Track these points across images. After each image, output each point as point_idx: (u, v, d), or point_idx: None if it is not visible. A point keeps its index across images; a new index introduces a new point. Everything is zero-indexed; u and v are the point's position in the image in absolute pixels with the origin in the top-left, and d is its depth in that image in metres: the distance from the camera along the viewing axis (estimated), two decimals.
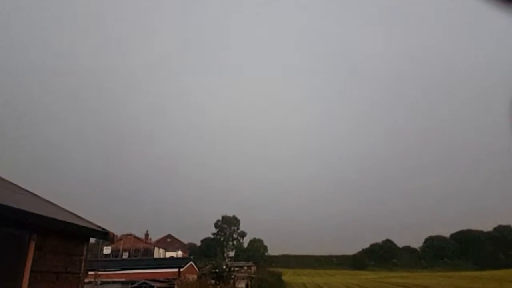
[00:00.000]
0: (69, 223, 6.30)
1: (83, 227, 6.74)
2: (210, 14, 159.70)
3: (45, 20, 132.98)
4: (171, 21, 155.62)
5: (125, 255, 53.34)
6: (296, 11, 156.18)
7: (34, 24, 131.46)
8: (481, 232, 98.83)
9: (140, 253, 55.16)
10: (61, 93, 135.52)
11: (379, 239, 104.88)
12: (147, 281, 26.65)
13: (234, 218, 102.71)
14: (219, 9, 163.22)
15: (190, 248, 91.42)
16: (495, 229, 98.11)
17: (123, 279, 27.29)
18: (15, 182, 8.65)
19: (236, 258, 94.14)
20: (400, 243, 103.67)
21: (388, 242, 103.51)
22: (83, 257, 6.72)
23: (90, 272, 19.04)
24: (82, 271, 6.72)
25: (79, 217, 7.23)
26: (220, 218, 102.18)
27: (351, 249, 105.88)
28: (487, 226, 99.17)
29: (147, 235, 72.28)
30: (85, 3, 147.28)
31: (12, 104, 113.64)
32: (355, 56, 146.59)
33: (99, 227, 7.20)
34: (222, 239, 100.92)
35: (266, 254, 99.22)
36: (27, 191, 8.12)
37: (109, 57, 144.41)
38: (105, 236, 7.25)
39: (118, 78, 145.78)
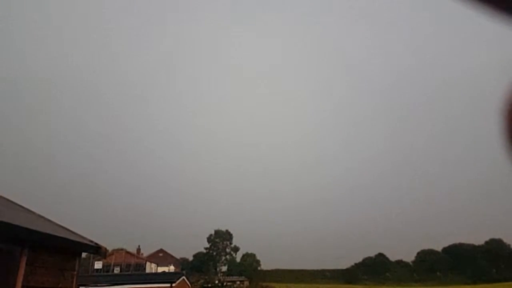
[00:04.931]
0: (61, 238, 6.29)
1: (76, 242, 6.74)
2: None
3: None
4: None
5: (117, 270, 52.52)
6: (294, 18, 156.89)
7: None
8: (472, 246, 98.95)
9: (131, 268, 54.39)
10: (45, 102, 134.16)
11: (371, 253, 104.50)
12: None
13: (227, 232, 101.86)
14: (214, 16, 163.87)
15: (182, 263, 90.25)
16: (486, 242, 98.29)
17: None
18: (5, 196, 8.62)
19: (228, 273, 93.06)
20: (392, 257, 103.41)
21: (380, 256, 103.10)
22: (75, 272, 6.71)
23: None
24: (73, 287, 6.69)
25: (71, 231, 7.22)
26: (212, 232, 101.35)
27: (344, 263, 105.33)
28: (478, 240, 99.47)
29: (139, 250, 71.45)
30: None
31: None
32: (352, 61, 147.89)
33: (91, 241, 7.20)
34: (214, 253, 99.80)
35: (259, 268, 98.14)
36: (18, 205, 8.10)
37: (104, 65, 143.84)
38: (97, 250, 7.24)
39: (115, 87, 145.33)
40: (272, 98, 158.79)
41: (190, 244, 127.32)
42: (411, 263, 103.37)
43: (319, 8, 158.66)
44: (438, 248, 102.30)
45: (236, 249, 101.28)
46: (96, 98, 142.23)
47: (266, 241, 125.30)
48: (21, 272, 5.54)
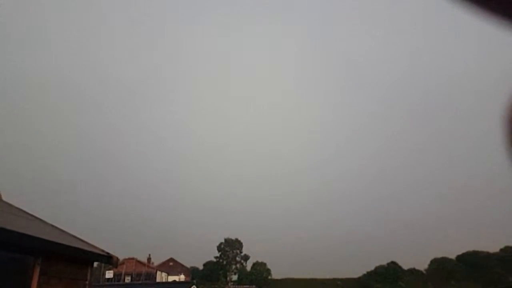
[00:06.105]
0: (74, 247, 6.34)
1: (88, 251, 6.78)
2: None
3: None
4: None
5: (128, 280, 52.63)
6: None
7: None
8: (487, 253, 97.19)
9: (142, 277, 54.43)
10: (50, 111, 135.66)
11: (384, 261, 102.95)
12: None
13: (237, 241, 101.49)
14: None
15: (192, 272, 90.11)
16: (502, 250, 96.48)
17: None
18: (19, 207, 8.75)
19: (239, 282, 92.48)
20: (405, 265, 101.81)
21: (393, 264, 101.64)
22: (87, 282, 6.74)
23: None
24: None
25: (83, 241, 7.27)
26: (222, 241, 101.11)
27: (356, 272, 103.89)
28: (493, 247, 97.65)
29: (149, 259, 71.56)
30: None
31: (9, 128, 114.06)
32: (351, 61, 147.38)
33: (103, 251, 7.23)
34: (225, 262, 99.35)
35: (270, 277, 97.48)
36: (32, 215, 8.20)
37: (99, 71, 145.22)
38: (109, 260, 7.28)
39: (121, 98, 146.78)
40: (273, 100, 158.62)
41: (200, 253, 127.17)
42: (424, 271, 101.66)
43: (319, 9, 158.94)
44: (452, 256, 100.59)
45: (246, 258, 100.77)
46: (100, 109, 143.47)
47: (276, 249, 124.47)
48: (35, 281, 5.60)
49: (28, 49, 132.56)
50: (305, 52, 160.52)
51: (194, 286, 32.57)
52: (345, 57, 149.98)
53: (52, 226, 7.80)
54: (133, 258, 61.10)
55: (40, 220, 7.94)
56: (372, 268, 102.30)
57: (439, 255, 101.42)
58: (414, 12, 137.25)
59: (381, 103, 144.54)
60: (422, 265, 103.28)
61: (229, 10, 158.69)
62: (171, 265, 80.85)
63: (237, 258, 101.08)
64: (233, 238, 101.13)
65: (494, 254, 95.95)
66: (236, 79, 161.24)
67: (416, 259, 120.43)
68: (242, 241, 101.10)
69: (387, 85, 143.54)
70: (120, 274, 53.29)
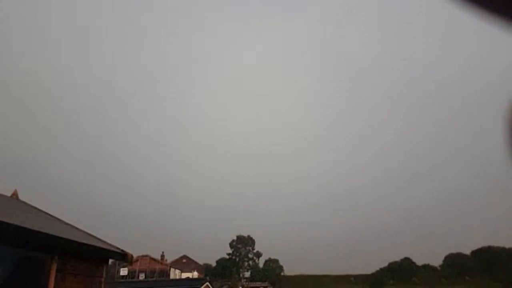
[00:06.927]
0: (89, 245, 6.45)
1: (103, 249, 6.89)
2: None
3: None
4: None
5: (142, 277, 53.25)
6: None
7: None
8: (503, 248, 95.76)
9: (156, 274, 55.02)
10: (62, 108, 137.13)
11: (397, 257, 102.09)
12: None
13: (249, 238, 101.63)
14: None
15: (205, 269, 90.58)
16: None
17: None
18: (35, 205, 8.91)
19: (252, 278, 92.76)
20: (419, 261, 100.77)
21: (406, 260, 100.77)
22: (103, 279, 6.85)
23: None
24: None
25: (98, 239, 7.38)
26: (235, 238, 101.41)
27: (369, 268, 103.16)
28: (509, 242, 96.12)
29: (163, 256, 72.17)
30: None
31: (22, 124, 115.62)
32: (349, 59, 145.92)
33: (118, 248, 7.33)
34: (237, 259, 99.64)
35: (282, 274, 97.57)
36: (48, 214, 8.35)
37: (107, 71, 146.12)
38: (123, 257, 7.38)
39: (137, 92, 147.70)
40: (274, 100, 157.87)
41: (213, 250, 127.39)
42: (438, 267, 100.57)
43: (313, 4, 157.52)
44: (467, 251, 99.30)
45: (258, 255, 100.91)
46: (105, 112, 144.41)
47: (289, 246, 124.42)
48: (52, 279, 5.71)
49: (30, 50, 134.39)
50: (304, 52, 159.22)
51: (207, 283, 32.78)
52: (342, 55, 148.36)
53: (68, 224, 7.93)
54: (147, 256, 61.69)
55: (56, 218, 8.09)
56: (386, 264, 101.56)
57: (454, 251, 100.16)
58: (413, 11, 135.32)
59: (381, 101, 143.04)
60: (437, 261, 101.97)
61: (226, 9, 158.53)
62: (184, 262, 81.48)
63: (250, 255, 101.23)
64: (245, 235, 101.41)
65: (509, 249, 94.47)
66: (236, 79, 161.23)
67: (430, 255, 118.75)
68: (254, 238, 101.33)
69: (387, 84, 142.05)
70: (134, 271, 53.95)
